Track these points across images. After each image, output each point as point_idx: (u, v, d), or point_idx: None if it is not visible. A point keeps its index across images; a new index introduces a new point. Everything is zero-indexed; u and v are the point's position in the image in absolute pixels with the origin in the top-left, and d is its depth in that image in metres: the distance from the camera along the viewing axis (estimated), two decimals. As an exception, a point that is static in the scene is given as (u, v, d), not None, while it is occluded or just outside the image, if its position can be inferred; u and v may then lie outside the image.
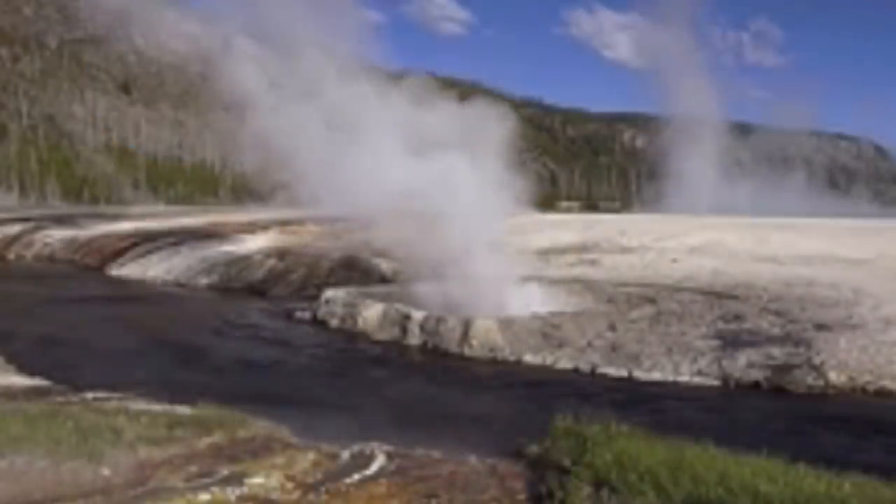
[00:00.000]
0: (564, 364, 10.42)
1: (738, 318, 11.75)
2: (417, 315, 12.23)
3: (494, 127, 14.55)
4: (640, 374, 9.84)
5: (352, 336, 12.81)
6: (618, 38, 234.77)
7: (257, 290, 19.17)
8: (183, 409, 6.14)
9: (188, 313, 16.26)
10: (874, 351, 9.83)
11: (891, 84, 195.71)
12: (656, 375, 9.77)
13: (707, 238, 21.11)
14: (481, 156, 13.96)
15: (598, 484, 4.08)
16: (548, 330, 11.47)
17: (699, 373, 9.69)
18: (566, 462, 4.49)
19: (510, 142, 14.87)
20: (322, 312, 14.13)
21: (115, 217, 35.42)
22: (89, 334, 13.02)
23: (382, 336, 12.47)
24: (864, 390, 9.00)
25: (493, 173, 14.02)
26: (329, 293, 14.70)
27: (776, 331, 10.99)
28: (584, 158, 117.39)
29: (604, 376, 9.93)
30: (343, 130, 14.84)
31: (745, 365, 9.69)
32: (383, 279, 18.23)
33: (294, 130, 14.63)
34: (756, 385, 9.33)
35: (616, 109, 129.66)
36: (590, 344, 10.91)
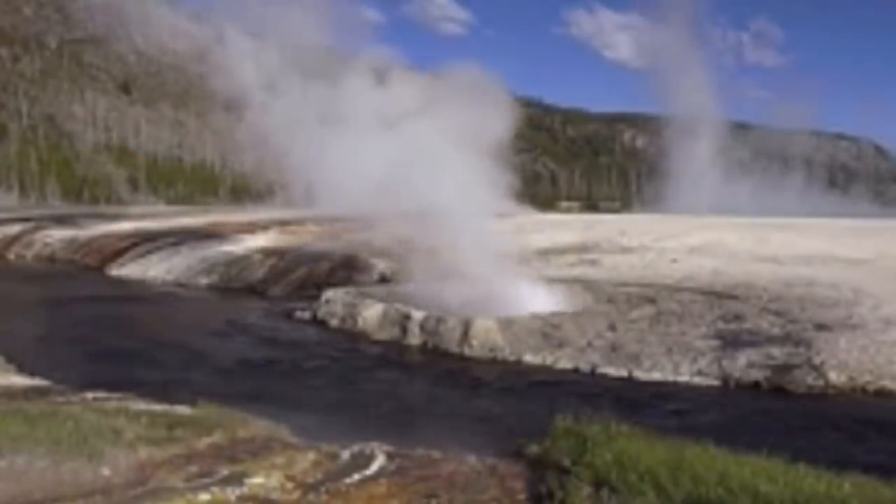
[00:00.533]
0: (564, 364, 10.41)
1: (738, 318, 11.74)
2: (417, 315, 12.23)
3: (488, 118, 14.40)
4: (640, 374, 9.84)
5: (352, 336, 12.81)
6: (618, 38, 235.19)
7: (257, 290, 19.17)
8: (183, 409, 6.13)
9: (188, 313, 16.26)
10: (874, 351, 9.83)
11: (891, 84, 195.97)
12: (656, 375, 9.76)
13: (707, 238, 21.12)
14: (470, 150, 13.89)
15: (598, 484, 4.07)
16: (548, 330, 11.47)
17: (699, 373, 9.69)
18: (566, 462, 4.48)
19: (506, 136, 14.75)
20: (322, 312, 14.13)
21: (115, 217, 35.42)
22: (89, 334, 13.02)
23: (382, 336, 12.46)
24: (864, 390, 9.00)
25: (482, 168, 13.98)
26: (329, 293, 14.70)
27: (776, 331, 10.99)
28: (584, 158, 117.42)
29: (604, 376, 9.93)
30: (337, 127, 14.83)
31: (745, 365, 9.69)
32: (383, 279, 18.23)
33: (290, 129, 14.65)
34: (756, 385, 9.33)
35: (616, 109, 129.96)
36: (590, 344, 10.91)
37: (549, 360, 10.57)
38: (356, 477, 4.41)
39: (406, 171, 14.06)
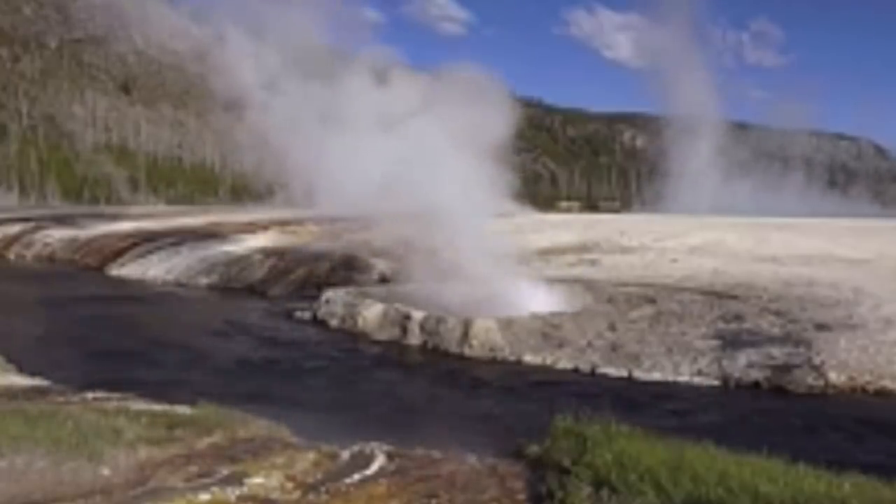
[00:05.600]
0: (564, 364, 10.41)
1: (738, 318, 11.74)
2: (417, 315, 12.22)
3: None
4: (640, 374, 9.83)
5: (352, 336, 12.81)
6: (618, 38, 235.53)
7: (257, 290, 19.16)
8: (183, 409, 6.13)
9: (188, 313, 16.26)
10: (874, 351, 9.83)
11: (891, 84, 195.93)
12: (656, 375, 9.76)
13: (707, 238, 21.13)
14: (470, 150, 13.87)
15: (598, 484, 4.07)
16: (548, 330, 11.47)
17: (699, 373, 9.69)
18: (566, 462, 4.48)
19: (506, 136, 14.74)
20: (322, 312, 14.12)
21: (115, 217, 35.40)
22: (89, 334, 13.02)
23: (382, 336, 12.46)
24: (864, 390, 9.00)
25: (482, 168, 13.99)
26: (329, 293, 14.70)
27: (776, 331, 10.99)
28: (584, 158, 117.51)
29: (604, 376, 9.93)
30: (337, 127, 14.82)
31: (745, 365, 9.69)
32: (383, 279, 18.23)
33: (290, 129, 14.65)
34: (756, 385, 9.33)
35: (616, 109, 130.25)
36: (590, 344, 10.90)
37: (549, 360, 10.57)
38: (356, 477, 4.41)
39: (406, 172, 14.07)
